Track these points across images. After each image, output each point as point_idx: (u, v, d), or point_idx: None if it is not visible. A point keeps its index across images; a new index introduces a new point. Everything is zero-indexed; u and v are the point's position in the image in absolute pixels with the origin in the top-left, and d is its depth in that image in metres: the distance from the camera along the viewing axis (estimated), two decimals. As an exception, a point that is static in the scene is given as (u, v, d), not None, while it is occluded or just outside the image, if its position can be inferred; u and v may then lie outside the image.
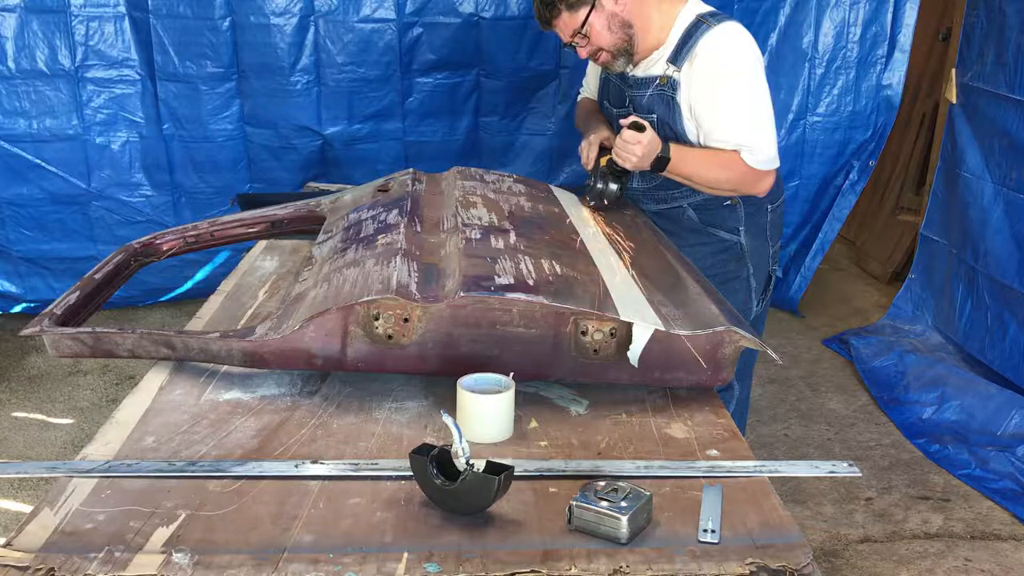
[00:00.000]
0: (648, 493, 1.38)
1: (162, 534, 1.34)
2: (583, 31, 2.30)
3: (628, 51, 2.32)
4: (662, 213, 2.45)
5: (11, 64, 4.14)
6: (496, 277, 1.74)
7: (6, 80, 4.16)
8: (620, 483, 1.39)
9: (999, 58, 3.67)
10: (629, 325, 1.70)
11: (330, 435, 1.64)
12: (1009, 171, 3.64)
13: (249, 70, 4.25)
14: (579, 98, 2.76)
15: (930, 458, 3.47)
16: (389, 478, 1.49)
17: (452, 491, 1.37)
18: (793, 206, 4.44)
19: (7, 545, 1.31)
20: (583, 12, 2.27)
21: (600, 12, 2.27)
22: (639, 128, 2.22)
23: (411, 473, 1.43)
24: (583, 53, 2.37)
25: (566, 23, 2.30)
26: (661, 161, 2.25)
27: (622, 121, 2.26)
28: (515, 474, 1.41)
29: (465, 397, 1.62)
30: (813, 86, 4.41)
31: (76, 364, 4.09)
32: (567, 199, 2.44)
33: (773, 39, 4.35)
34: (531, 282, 1.74)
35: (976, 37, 3.86)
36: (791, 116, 4.43)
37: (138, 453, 1.56)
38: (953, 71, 4.05)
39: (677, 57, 2.28)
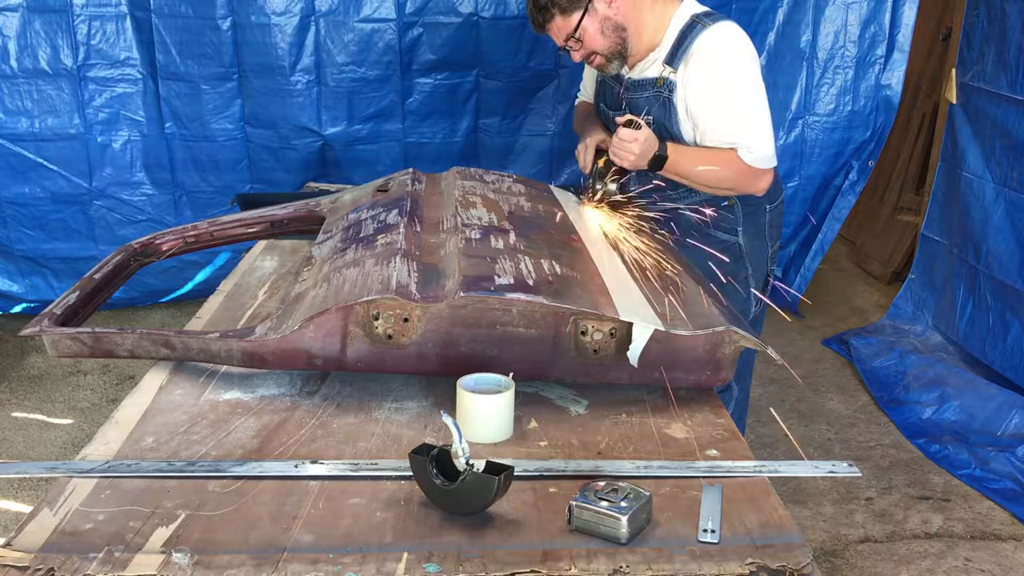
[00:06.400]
0: (648, 493, 1.38)
1: (162, 534, 1.34)
2: (576, 35, 2.29)
3: (622, 54, 2.32)
4: (660, 214, 2.45)
5: (13, 63, 4.14)
6: (496, 277, 1.74)
7: (8, 79, 4.16)
8: (620, 483, 1.39)
9: (1000, 58, 3.67)
10: (629, 325, 1.71)
11: (330, 435, 1.64)
12: (1010, 171, 3.64)
13: (250, 70, 4.25)
14: (576, 102, 2.76)
15: (930, 458, 3.47)
16: (389, 478, 1.49)
17: (452, 491, 1.38)
18: (793, 206, 4.44)
19: (7, 545, 1.31)
20: (576, 16, 2.27)
21: (593, 16, 2.27)
22: (635, 126, 2.22)
23: (411, 473, 1.44)
24: (577, 57, 2.37)
25: (559, 27, 2.30)
26: (659, 160, 2.25)
27: (618, 120, 2.26)
28: (515, 474, 1.41)
29: (465, 397, 1.62)
30: (812, 85, 4.41)
31: (76, 364, 4.10)
32: (567, 199, 2.45)
33: (771, 38, 4.35)
34: (531, 282, 1.74)
35: (976, 37, 3.86)
36: (789, 115, 4.43)
37: (138, 453, 1.56)
38: (953, 71, 4.05)
39: (673, 58, 2.28)
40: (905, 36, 4.34)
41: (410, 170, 2.55)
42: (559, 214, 2.27)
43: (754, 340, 1.75)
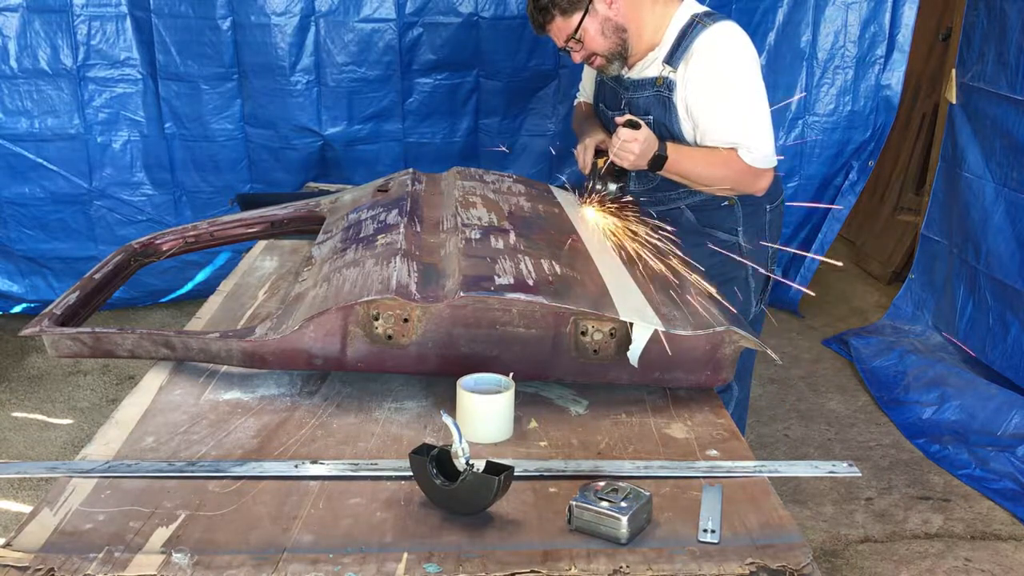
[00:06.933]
0: (648, 493, 1.38)
1: (162, 534, 1.34)
2: (577, 36, 2.30)
3: (622, 55, 2.33)
4: (660, 215, 2.45)
5: (13, 63, 4.14)
6: (496, 277, 1.74)
7: (8, 79, 4.16)
8: (620, 483, 1.39)
9: (1000, 58, 3.67)
10: (629, 325, 1.71)
11: (330, 435, 1.64)
12: (1010, 171, 3.64)
13: (250, 70, 4.25)
14: (575, 102, 2.76)
15: (930, 458, 3.47)
16: (389, 478, 1.49)
17: (452, 491, 1.38)
18: (792, 206, 4.44)
19: (7, 545, 1.31)
20: (577, 17, 2.27)
21: (594, 17, 2.27)
22: (635, 126, 2.22)
23: (411, 473, 1.44)
24: (577, 58, 2.37)
25: (560, 28, 2.30)
26: (659, 159, 2.26)
27: (617, 120, 2.26)
28: (515, 474, 1.41)
29: (465, 397, 1.62)
30: (812, 85, 4.42)
31: (76, 364, 4.10)
32: (567, 199, 2.45)
33: (771, 38, 4.35)
34: (531, 282, 1.74)
35: (976, 37, 3.86)
36: (789, 115, 4.43)
37: (138, 453, 1.56)
38: (953, 71, 4.05)
39: (672, 57, 2.28)
40: (905, 36, 4.35)
41: (410, 170, 2.55)
42: (559, 214, 2.27)
43: (754, 340, 1.75)
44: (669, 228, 2.29)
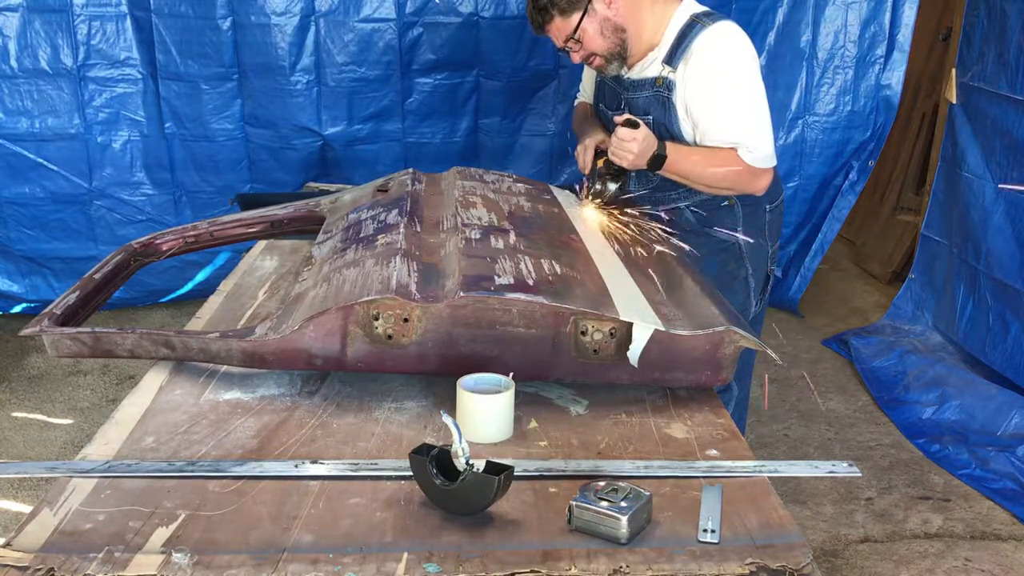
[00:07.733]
0: (648, 493, 1.38)
1: (162, 534, 1.34)
2: (576, 36, 2.30)
3: (622, 55, 2.33)
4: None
5: (13, 63, 4.14)
6: (496, 277, 1.74)
7: (8, 79, 4.16)
8: (620, 483, 1.39)
9: (1000, 58, 3.67)
10: (629, 325, 1.71)
11: (330, 435, 1.64)
12: (1010, 171, 3.64)
13: (250, 70, 4.25)
14: (575, 102, 2.76)
15: (930, 458, 3.47)
16: (389, 478, 1.49)
17: (452, 491, 1.38)
18: (792, 206, 4.44)
19: (7, 545, 1.31)
20: (576, 17, 2.27)
21: (593, 17, 2.27)
22: (633, 125, 2.22)
23: (411, 473, 1.44)
24: (576, 58, 2.37)
25: (559, 28, 2.30)
26: (658, 159, 2.26)
27: (616, 119, 2.26)
28: (515, 474, 1.41)
29: (465, 397, 1.62)
30: (812, 85, 4.41)
31: (76, 364, 4.10)
32: (567, 199, 2.45)
33: (771, 38, 4.35)
34: (531, 282, 1.74)
35: (976, 37, 3.86)
36: (789, 115, 4.43)
37: (138, 453, 1.56)
38: (953, 71, 4.05)
39: (672, 57, 2.28)
40: (905, 36, 4.35)
41: (410, 170, 2.55)
42: (559, 214, 2.27)
43: (754, 340, 1.75)
44: (669, 227, 2.30)
